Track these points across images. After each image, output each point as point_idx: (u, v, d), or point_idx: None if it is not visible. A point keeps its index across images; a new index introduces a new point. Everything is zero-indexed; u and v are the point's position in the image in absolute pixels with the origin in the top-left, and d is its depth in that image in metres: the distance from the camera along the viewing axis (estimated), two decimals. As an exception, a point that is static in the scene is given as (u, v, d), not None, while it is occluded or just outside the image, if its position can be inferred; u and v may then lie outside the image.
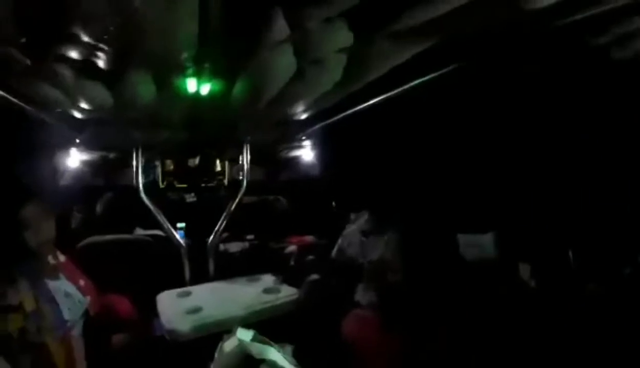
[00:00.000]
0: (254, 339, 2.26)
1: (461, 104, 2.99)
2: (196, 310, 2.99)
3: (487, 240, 3.01)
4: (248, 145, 4.11)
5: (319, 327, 2.82)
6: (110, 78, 2.21)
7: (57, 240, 2.57)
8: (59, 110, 2.75)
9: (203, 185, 4.32)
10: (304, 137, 4.33)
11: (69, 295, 2.41)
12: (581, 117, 2.68)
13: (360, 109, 2.98)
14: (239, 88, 2.49)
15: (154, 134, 3.64)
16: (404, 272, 2.76)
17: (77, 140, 3.79)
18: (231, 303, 3.11)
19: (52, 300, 2.29)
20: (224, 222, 4.05)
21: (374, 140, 3.73)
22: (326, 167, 4.69)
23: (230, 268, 3.89)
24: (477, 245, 3.02)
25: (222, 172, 4.37)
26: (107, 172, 4.48)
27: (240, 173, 4.19)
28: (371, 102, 2.82)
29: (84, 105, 2.65)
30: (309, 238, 4.18)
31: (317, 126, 3.65)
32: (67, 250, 2.74)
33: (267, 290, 3.36)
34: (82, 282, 2.58)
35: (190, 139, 3.98)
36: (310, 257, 3.76)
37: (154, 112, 2.87)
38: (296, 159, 4.91)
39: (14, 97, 2.28)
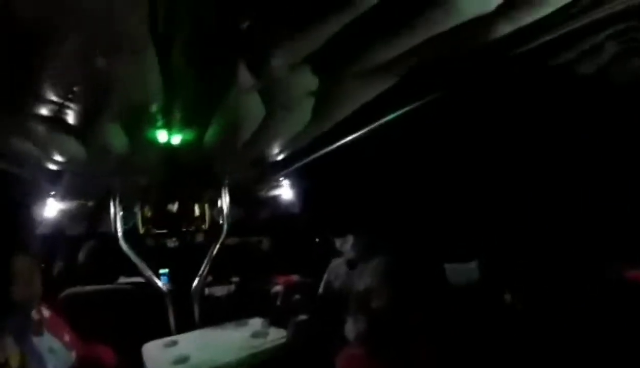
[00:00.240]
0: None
1: (439, 131, 3.02)
2: (184, 360, 2.89)
3: (471, 267, 3.01)
4: (226, 188, 4.10)
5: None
6: (81, 132, 2.22)
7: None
8: (33, 163, 2.74)
9: (184, 229, 4.27)
10: (282, 177, 4.34)
11: (54, 350, 2.33)
12: (557, 136, 2.72)
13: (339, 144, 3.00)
14: (210, 135, 2.52)
15: (131, 181, 3.64)
16: (389, 299, 2.75)
17: (53, 192, 3.77)
18: (219, 351, 3.02)
19: (38, 357, 2.22)
20: (207, 266, 3.99)
21: (355, 171, 3.74)
22: (308, 203, 4.66)
23: (216, 313, 3.80)
24: (462, 272, 3.02)
25: (202, 216, 4.33)
26: (86, 221, 4.42)
27: (221, 216, 4.15)
28: (348, 138, 2.86)
29: (57, 157, 2.64)
30: (295, 276, 4.10)
31: (295, 166, 3.64)
32: (49, 302, 2.69)
33: (255, 334, 3.26)
34: (67, 337, 2.50)
35: (167, 185, 3.97)
36: (297, 296, 3.71)
37: (128, 162, 2.86)
38: (276, 198, 4.87)
39: None
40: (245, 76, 1.78)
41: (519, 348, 2.21)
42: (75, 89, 1.73)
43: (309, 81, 1.92)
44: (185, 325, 3.71)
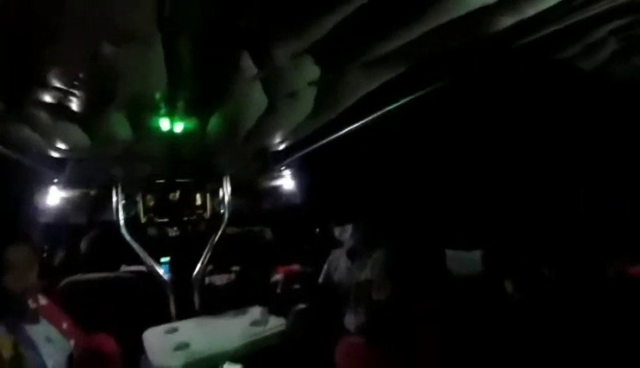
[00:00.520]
0: (241, 372, 2.29)
1: (441, 121, 3.03)
2: (184, 346, 2.94)
3: (474, 256, 3.02)
4: (228, 178, 4.14)
5: (307, 357, 2.80)
6: (85, 119, 2.25)
7: (39, 282, 2.52)
8: (35, 151, 2.77)
9: (185, 219, 4.30)
10: (284, 167, 4.37)
11: (51, 339, 2.34)
12: (562, 128, 2.73)
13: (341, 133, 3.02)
14: (212, 124, 2.55)
15: (133, 170, 3.68)
16: (389, 291, 2.77)
17: (56, 180, 3.80)
18: (219, 338, 3.08)
19: (32, 346, 2.20)
20: (208, 255, 4.03)
21: (357, 161, 3.76)
22: (309, 193, 4.69)
23: (217, 301, 3.85)
24: (464, 261, 3.04)
25: (204, 205, 4.35)
26: (88, 209, 4.44)
27: (222, 206, 4.19)
28: (350, 128, 2.86)
29: (60, 145, 2.68)
30: (295, 266, 4.14)
31: (297, 156, 3.68)
32: (49, 291, 2.71)
33: (254, 323, 3.31)
34: (64, 325, 2.52)
35: (169, 174, 4.02)
36: (297, 285, 3.75)
37: (131, 150, 2.91)
38: (278, 188, 4.90)
39: None
40: (248, 66, 1.80)
41: (520, 340, 2.25)
42: (80, 76, 1.75)
43: (311, 72, 1.94)
44: (186, 312, 3.75)
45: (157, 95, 2.02)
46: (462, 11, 1.60)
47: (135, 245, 3.82)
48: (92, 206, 4.38)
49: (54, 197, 4.09)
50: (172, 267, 4.12)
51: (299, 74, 1.95)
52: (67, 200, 4.25)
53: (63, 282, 3.36)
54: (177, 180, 4.17)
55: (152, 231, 4.23)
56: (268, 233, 4.79)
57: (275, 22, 1.57)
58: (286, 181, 4.75)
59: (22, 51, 1.56)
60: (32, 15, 1.35)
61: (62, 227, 4.31)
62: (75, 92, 1.89)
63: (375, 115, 2.59)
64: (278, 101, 2.27)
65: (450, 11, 1.61)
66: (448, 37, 1.80)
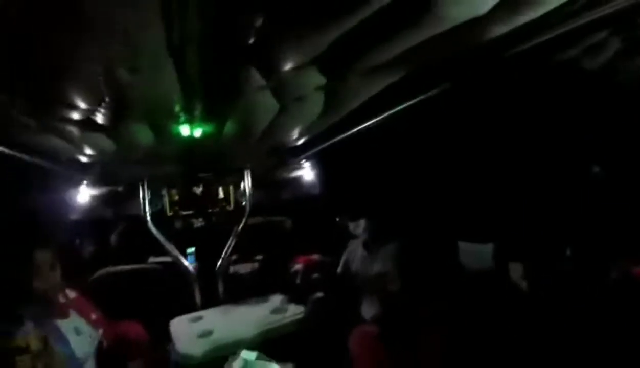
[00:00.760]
0: (257, 358, 2.43)
1: (454, 118, 3.04)
2: (208, 333, 3.13)
3: (486, 250, 3.09)
4: (249, 171, 4.29)
5: (323, 343, 2.93)
6: (110, 129, 2.41)
7: (69, 276, 2.60)
8: (65, 157, 2.92)
9: (209, 211, 4.45)
10: (302, 160, 4.46)
11: (80, 331, 2.43)
12: (568, 126, 2.75)
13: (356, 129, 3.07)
14: (229, 127, 2.67)
15: (157, 168, 3.83)
16: (403, 282, 2.84)
17: (85, 181, 3.98)
18: (240, 325, 3.24)
19: (62, 339, 2.29)
20: (232, 245, 4.21)
21: (373, 154, 3.79)
22: (328, 184, 4.76)
23: (239, 290, 4.04)
24: (477, 254, 3.10)
25: (227, 197, 4.48)
26: (116, 206, 4.61)
27: (244, 198, 4.34)
28: (361, 126, 2.92)
29: (88, 151, 2.84)
30: (315, 256, 4.20)
31: (313, 150, 3.78)
32: (80, 283, 2.85)
33: (274, 311, 3.48)
34: (93, 316, 2.63)
35: (192, 170, 4.18)
36: (316, 274, 3.82)
37: (155, 151, 3.04)
38: (297, 180, 5.02)
39: (19, 148, 2.43)
40: (256, 78, 1.92)
41: (526, 337, 2.31)
42: (102, 94, 1.89)
43: (316, 79, 2.04)
44: (210, 301, 3.94)
45: (176, 107, 2.16)
46: (457, 21, 1.65)
47: (161, 238, 4.03)
48: (120, 202, 4.55)
49: (84, 195, 4.27)
50: (197, 257, 4.30)
51: (305, 81, 2.05)
52: (96, 198, 4.43)
53: (95, 275, 3.55)
54: (200, 175, 4.32)
55: (177, 224, 4.39)
56: (288, 224, 4.94)
57: (278, 38, 1.68)
58: (305, 173, 4.87)
59: (47, 74, 1.70)
60: (54, 42, 1.48)
61: (92, 223, 4.47)
62: (100, 109, 2.05)
63: (386, 114, 2.65)
64: (288, 105, 2.38)
65: (445, 21, 1.68)
66: (445, 45, 1.85)
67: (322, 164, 4.52)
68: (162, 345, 3.26)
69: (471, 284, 2.87)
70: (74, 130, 2.32)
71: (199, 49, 1.64)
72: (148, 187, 4.05)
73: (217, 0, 1.37)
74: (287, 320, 3.32)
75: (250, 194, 4.30)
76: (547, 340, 2.24)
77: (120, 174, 3.95)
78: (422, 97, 2.36)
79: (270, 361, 2.47)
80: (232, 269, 4.30)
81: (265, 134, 2.90)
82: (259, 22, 1.53)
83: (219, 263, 4.17)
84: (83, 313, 2.57)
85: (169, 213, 4.31)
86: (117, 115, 2.17)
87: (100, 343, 2.56)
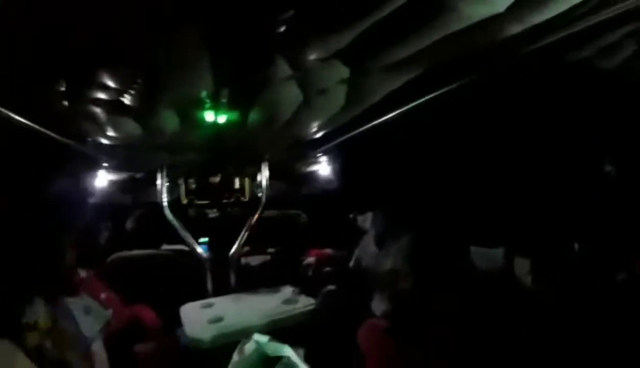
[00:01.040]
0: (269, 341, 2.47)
1: (470, 116, 3.05)
2: (218, 319, 3.14)
3: (497, 253, 3.10)
4: (266, 163, 4.31)
5: (332, 335, 2.94)
6: (138, 113, 2.46)
7: (83, 257, 2.69)
8: (91, 139, 2.99)
9: (224, 201, 4.48)
10: (320, 154, 4.49)
11: (90, 310, 2.48)
12: (580, 126, 2.76)
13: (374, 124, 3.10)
14: (252, 116, 2.72)
15: (178, 156, 3.88)
16: (414, 279, 2.86)
17: (106, 164, 4.05)
18: (251, 313, 3.25)
19: (71, 317, 2.33)
20: (245, 236, 4.23)
21: (387, 151, 3.80)
22: (343, 180, 4.74)
23: (251, 280, 4.05)
24: (488, 253, 3.11)
25: (242, 189, 4.51)
26: (134, 191, 4.64)
27: (260, 190, 4.36)
28: (385, 117, 2.93)
29: (113, 134, 2.89)
30: (328, 250, 4.25)
31: (332, 144, 3.81)
32: (94, 266, 2.90)
33: (286, 301, 3.48)
34: (103, 296, 2.70)
35: (211, 159, 4.20)
36: (328, 268, 3.83)
37: (178, 138, 3.09)
38: (314, 174, 4.99)
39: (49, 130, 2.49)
40: (282, 68, 1.97)
41: (540, 335, 2.32)
42: (132, 78, 1.95)
43: (340, 72, 2.09)
44: (222, 289, 3.95)
45: (203, 94, 2.22)
46: (476, 19, 1.67)
47: (176, 225, 4.06)
48: (137, 188, 4.58)
49: (103, 180, 4.32)
50: (211, 246, 4.31)
51: (329, 74, 2.10)
52: (114, 183, 4.47)
53: (110, 258, 3.62)
54: (218, 165, 4.36)
55: (192, 212, 4.41)
56: (303, 218, 4.95)
57: (305, 31, 1.73)
58: (321, 167, 4.86)
59: (82, 57, 1.76)
60: (89, 29, 1.54)
61: (109, 207, 4.50)
62: (131, 91, 2.10)
63: (403, 109, 2.68)
64: (312, 96, 2.42)
65: (465, 19, 1.70)
66: (463, 43, 1.88)
67: (338, 158, 4.54)
68: (173, 330, 3.28)
69: (482, 282, 2.88)
70: (102, 112, 2.37)
71: (231, 41, 1.69)
72: (166, 175, 4.10)
73: None
74: (298, 311, 3.33)
75: (266, 186, 4.32)
76: (556, 338, 2.25)
77: (140, 160, 4.02)
78: (438, 93, 2.39)
79: (282, 344, 2.49)
80: (244, 260, 4.33)
81: (287, 125, 2.94)
82: (288, 14, 1.58)
83: (231, 253, 4.18)
84: (93, 293, 2.64)
85: (185, 202, 4.35)
86: (146, 98, 2.22)
87: (108, 322, 2.60)
